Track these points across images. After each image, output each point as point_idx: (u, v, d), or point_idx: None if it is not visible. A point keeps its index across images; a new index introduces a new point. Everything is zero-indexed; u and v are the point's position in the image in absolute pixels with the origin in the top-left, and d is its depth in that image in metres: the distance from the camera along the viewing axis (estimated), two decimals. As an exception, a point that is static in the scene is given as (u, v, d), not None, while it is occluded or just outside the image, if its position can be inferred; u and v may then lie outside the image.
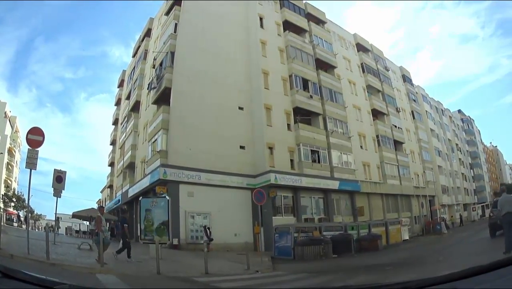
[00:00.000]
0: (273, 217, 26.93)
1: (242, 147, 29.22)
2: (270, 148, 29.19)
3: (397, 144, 47.02)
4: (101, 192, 63.62)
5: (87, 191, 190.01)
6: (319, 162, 32.12)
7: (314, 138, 32.21)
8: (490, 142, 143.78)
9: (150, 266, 13.12)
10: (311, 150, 31.76)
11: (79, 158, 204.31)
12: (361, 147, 39.37)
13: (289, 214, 29.06)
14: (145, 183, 28.14)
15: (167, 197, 17.79)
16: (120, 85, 53.43)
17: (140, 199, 18.22)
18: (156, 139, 28.00)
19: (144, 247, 17.55)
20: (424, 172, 52.40)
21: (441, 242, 28.55)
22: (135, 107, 38.73)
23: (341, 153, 34.55)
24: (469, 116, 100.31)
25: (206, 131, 27.23)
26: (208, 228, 23.98)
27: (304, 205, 30.49)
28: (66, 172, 18.62)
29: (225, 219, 25.54)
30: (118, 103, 53.36)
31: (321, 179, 31.16)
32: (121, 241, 16.15)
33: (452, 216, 54.66)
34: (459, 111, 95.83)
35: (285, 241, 21.39)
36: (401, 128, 49.34)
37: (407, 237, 32.04)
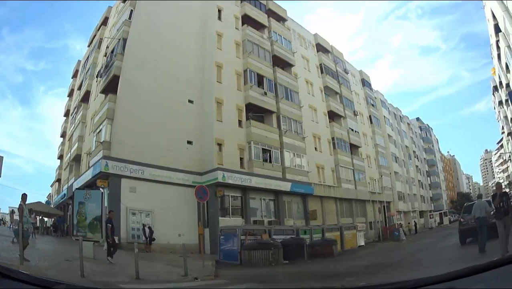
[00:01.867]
0: (220, 218, 26.67)
1: (189, 142, 28.86)
2: (219, 144, 28.93)
3: (353, 148, 48.08)
4: (51, 186, 61.69)
5: (42, 185, 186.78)
6: (270, 161, 32.21)
7: (266, 137, 32.28)
8: (448, 152, 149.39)
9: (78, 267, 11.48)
10: (262, 149, 31.81)
11: (35, 152, 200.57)
12: (315, 148, 39.91)
13: (237, 215, 28.83)
14: (87, 176, 27.18)
15: (101, 189, 17.03)
16: (74, 75, 51.98)
17: (74, 190, 17.31)
18: (100, 130, 27.27)
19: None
20: (380, 177, 53.38)
21: (403, 249, 28.48)
22: (85, 98, 37.82)
23: (294, 154, 34.79)
24: (427, 124, 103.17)
25: (153, 124, 26.70)
26: (149, 227, 23.52)
27: (253, 206, 30.43)
28: (3, 157, 17.60)
29: (169, 218, 24.93)
30: (70, 94, 52.22)
31: (272, 180, 31.24)
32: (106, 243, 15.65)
33: (408, 223, 55.82)
34: (418, 119, 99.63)
35: (231, 244, 20.64)
36: (358, 132, 50.48)
37: (363, 243, 32.49)
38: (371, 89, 64.35)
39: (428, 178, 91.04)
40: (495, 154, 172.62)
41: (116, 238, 16.10)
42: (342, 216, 41.01)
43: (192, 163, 27.97)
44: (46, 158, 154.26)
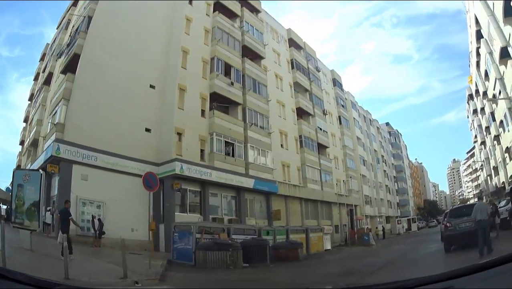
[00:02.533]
0: (176, 214, 25.46)
1: (148, 130, 27.50)
2: (179, 134, 27.69)
3: (321, 148, 47.89)
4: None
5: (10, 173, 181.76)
6: (233, 156, 31.26)
7: (230, 129, 31.31)
8: (416, 159, 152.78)
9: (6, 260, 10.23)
10: (225, 142, 30.80)
11: (5, 139, 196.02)
12: (281, 145, 39.36)
13: (196, 212, 27.62)
14: (40, 161, 25.69)
15: (40, 171, 15.61)
16: (42, 58, 49.92)
17: (13, 169, 15.90)
18: (56, 111, 25.79)
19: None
20: (347, 179, 53.18)
21: (375, 254, 26.85)
22: (48, 80, 35.89)
23: (259, 149, 34.08)
24: (397, 130, 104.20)
25: (111, 107, 25.35)
26: (99, 219, 22.18)
27: (213, 203, 29.26)
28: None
29: (122, 211, 23.46)
30: (36, 77, 50.07)
31: (234, 175, 30.23)
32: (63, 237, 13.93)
33: (376, 228, 55.80)
34: (387, 124, 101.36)
35: (185, 242, 19.28)
36: (327, 132, 50.48)
37: (329, 247, 32.05)
38: (342, 89, 64.67)
39: (396, 184, 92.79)
40: (464, 164, 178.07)
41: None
42: (307, 217, 40.66)
43: (150, 152, 26.67)
44: (13, 145, 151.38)
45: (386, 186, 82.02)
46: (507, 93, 36.62)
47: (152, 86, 28.54)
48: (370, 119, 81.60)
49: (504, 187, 49.55)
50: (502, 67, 37.50)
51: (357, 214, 54.77)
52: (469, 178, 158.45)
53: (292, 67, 46.34)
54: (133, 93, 26.82)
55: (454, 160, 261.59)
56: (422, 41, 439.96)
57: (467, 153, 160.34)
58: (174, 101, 28.00)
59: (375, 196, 70.63)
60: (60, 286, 2.97)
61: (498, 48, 34.45)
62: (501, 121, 45.16)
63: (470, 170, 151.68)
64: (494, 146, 59.55)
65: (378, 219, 69.97)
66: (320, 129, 48.23)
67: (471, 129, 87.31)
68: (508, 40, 31.98)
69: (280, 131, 39.28)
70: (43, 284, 2.84)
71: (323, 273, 16.26)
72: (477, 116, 70.81)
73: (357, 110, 71.48)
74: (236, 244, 18.59)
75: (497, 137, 53.65)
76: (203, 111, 30.09)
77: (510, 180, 47.64)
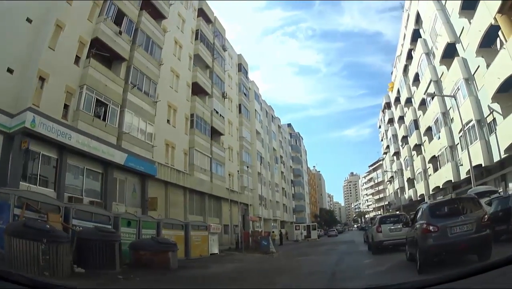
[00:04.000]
0: (21, 183, 19.87)
1: (10, 71, 21.48)
2: (42, 79, 22.33)
3: (215, 134, 45.43)
4: None
5: None
6: (104, 119, 26.53)
7: (106, 86, 26.65)
8: (314, 166, 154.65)
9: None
10: (97, 100, 25.89)
11: None
12: (168, 121, 35.62)
13: (49, 186, 22.04)
14: None
15: None
16: None
17: None
18: None
19: None
20: (242, 174, 49.69)
21: (288, 268, 19.45)
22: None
23: (139, 118, 29.81)
24: (298, 132, 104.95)
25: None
26: None
27: (72, 178, 24.04)
28: None
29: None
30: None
31: (103, 144, 25.25)
32: None
33: (273, 232, 52.30)
34: (289, 125, 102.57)
35: (2, 220, 13.11)
36: (223, 118, 48.15)
37: (216, 251, 28.82)
38: (247, 77, 63.54)
39: (293, 188, 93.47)
40: (365, 177, 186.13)
41: None
42: (191, 212, 37.24)
43: (7, 98, 20.79)
44: None
45: (283, 188, 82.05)
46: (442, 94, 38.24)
47: (29, 20, 22.67)
48: (272, 116, 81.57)
49: (424, 199, 50.38)
50: (441, 68, 38.60)
51: (251, 215, 52.93)
52: (370, 191, 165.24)
53: (196, 38, 43.47)
54: (5, 26, 20.95)
55: (352, 173, 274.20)
56: (334, 57, 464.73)
57: (370, 166, 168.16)
58: (46, 38, 22.70)
59: (270, 198, 69.74)
60: (59, 288, 3.08)
61: (443, 45, 35.57)
62: (429, 128, 45.94)
63: (372, 183, 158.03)
64: (411, 156, 60.41)
65: (273, 223, 69.21)
66: (217, 112, 45.64)
67: (382, 140, 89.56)
68: (459, 35, 32.90)
69: (169, 104, 35.61)
70: (42, 285, 2.90)
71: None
72: (393, 125, 71.87)
73: (260, 103, 70.72)
74: (63, 234, 13.12)
75: (418, 147, 55.20)
76: (78, 58, 24.98)
77: (432, 193, 47.54)
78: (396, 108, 67.44)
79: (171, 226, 23.55)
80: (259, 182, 59.93)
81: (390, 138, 75.87)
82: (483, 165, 29.95)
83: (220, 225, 35.07)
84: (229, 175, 47.82)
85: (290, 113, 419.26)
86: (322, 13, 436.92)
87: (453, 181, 38.27)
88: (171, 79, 36.54)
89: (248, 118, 59.87)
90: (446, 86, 37.07)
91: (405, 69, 55.55)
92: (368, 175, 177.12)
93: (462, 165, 35.31)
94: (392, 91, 69.51)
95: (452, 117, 37.92)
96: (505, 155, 26.69)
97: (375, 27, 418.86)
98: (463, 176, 35.54)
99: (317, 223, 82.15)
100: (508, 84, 24.54)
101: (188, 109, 39.36)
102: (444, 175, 40.78)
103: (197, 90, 41.78)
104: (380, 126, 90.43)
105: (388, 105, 75.52)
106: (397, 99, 65.41)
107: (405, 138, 63.63)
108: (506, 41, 23.66)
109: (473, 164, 28.16)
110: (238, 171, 51.28)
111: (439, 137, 41.80)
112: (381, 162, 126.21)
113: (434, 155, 44.64)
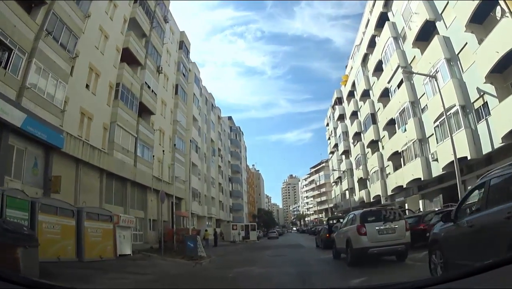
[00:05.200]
0: None
1: None
2: None
3: (145, 112, 40.43)
4: None
5: None
6: (6, 67, 20.67)
7: (14, 27, 20.96)
8: (253, 165, 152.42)
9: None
10: (0, 40, 20.18)
11: None
12: (87, 85, 30.00)
13: None
14: None
15: None
16: None
17: None
18: None
19: None
20: (173, 162, 44.44)
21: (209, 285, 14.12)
22: None
23: (49, 74, 24.00)
24: (239, 127, 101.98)
25: None
26: None
27: None
28: None
29: None
30: None
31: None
32: None
33: (206, 230, 47.51)
34: (230, 118, 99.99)
35: None
36: (156, 95, 43.12)
37: (128, 251, 23.31)
38: (187, 57, 59.50)
39: (231, 184, 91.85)
40: (306, 179, 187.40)
41: None
42: (109, 201, 31.39)
43: None
44: None
45: (220, 184, 78.64)
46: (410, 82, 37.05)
47: None
48: (212, 104, 78.13)
49: (380, 201, 49.00)
50: (413, 51, 36.48)
51: (181, 209, 48.23)
52: (311, 193, 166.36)
53: (135, 1, 38.80)
54: None
55: (291, 175, 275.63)
56: (280, 60, 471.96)
57: (311, 168, 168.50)
58: None
59: (205, 192, 65.54)
60: (54, 288, 3.07)
61: (420, 24, 33.28)
62: (391, 122, 43.51)
63: (313, 185, 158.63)
64: (365, 154, 59.33)
65: (207, 222, 65.37)
66: (148, 87, 40.51)
67: (329, 138, 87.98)
68: (441, 12, 30.69)
69: (90, 66, 30.12)
70: (41, 286, 2.89)
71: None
72: (344, 122, 69.68)
73: (200, 88, 66.89)
74: None
75: (375, 143, 52.88)
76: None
77: (391, 193, 44.54)
78: (349, 103, 65.46)
79: (54, 209, 17.64)
80: (193, 174, 55.34)
81: (339, 136, 74.45)
82: (468, 158, 26.57)
83: (133, 218, 28.49)
84: (158, 161, 42.48)
85: (232, 113, 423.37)
86: (273, 15, 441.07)
87: (422, 179, 35.22)
88: (98, 37, 31.44)
89: (185, 101, 55.43)
90: (418, 71, 33.30)
91: (365, 59, 53.81)
92: (309, 177, 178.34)
93: (436, 160, 31.84)
94: (345, 85, 67.95)
95: (425, 106, 34.79)
96: (501, 144, 22.92)
97: (325, 33, 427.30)
98: (436, 173, 32.62)
99: (256, 224, 79.06)
100: (508, 59, 21.32)
101: (114, 77, 34.15)
102: (410, 173, 37.52)
103: (128, 58, 36.64)
104: (327, 124, 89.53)
105: (339, 101, 73.71)
106: (351, 93, 64.07)
107: (358, 135, 61.87)
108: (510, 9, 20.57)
109: (457, 157, 24.33)
110: (169, 158, 46.31)
111: (404, 130, 38.81)
112: (323, 164, 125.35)
113: (397, 151, 41.46)
